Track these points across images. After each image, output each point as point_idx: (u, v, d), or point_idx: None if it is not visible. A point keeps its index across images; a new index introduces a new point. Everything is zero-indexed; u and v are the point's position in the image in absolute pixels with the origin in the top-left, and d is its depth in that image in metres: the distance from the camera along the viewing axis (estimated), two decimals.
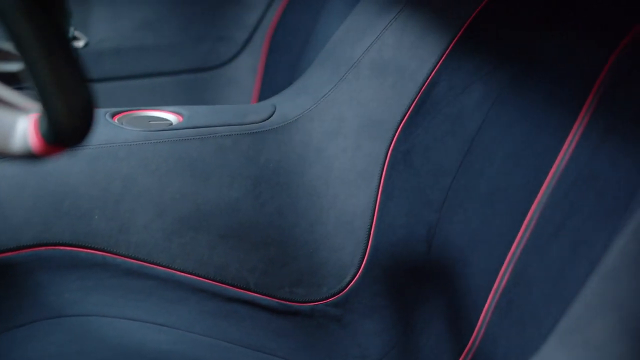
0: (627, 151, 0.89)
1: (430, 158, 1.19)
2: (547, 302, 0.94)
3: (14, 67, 0.77)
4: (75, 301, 1.10)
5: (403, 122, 1.22)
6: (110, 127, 1.18)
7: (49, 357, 1.03)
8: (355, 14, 1.32)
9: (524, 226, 1.01)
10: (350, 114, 1.24)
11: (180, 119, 1.24)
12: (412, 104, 1.21)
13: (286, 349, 1.17)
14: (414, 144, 1.21)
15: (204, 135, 1.20)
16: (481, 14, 1.18)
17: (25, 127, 0.67)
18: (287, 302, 1.20)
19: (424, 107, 1.21)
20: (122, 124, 1.20)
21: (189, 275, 1.16)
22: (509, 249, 1.02)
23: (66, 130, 0.64)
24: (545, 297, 0.94)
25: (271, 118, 1.25)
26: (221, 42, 1.94)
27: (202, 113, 1.25)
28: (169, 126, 1.22)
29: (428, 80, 1.21)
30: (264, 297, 1.19)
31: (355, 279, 1.21)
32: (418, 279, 1.18)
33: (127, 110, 1.25)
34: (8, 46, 0.79)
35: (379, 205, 1.22)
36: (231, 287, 1.18)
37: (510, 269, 1.00)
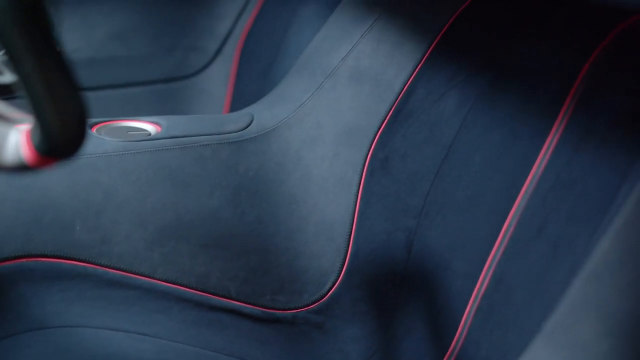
0: (604, 155, 0.91)
1: (408, 165, 1.20)
2: (528, 304, 0.95)
3: (6, 79, 0.77)
4: (58, 312, 1.09)
5: (381, 129, 1.23)
6: (90, 138, 1.18)
7: None
8: (331, 23, 1.33)
9: (503, 230, 1.02)
10: (328, 122, 1.25)
11: (159, 129, 1.24)
12: (389, 112, 1.23)
13: (269, 356, 1.18)
14: (391, 151, 1.22)
15: (183, 145, 1.20)
16: (457, 22, 1.20)
17: (17, 138, 0.67)
18: (269, 310, 1.21)
19: (401, 114, 1.22)
20: (100, 134, 1.20)
21: (171, 285, 1.16)
22: (489, 253, 1.03)
23: (60, 141, 0.64)
24: (526, 300, 0.96)
25: (249, 127, 1.26)
26: (192, 52, 1.94)
27: (180, 123, 1.26)
28: (147, 136, 1.22)
29: (405, 88, 1.22)
30: (246, 305, 1.20)
31: (336, 285, 1.22)
32: (398, 285, 1.19)
33: (105, 121, 1.24)
34: (0, 58, 0.79)
35: (358, 212, 1.23)
36: (213, 296, 1.18)
37: (490, 273, 1.02)
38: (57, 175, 1.12)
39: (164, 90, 1.94)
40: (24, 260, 1.09)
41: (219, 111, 1.94)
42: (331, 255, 1.23)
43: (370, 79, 1.24)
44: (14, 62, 0.61)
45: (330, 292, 1.22)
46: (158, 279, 1.16)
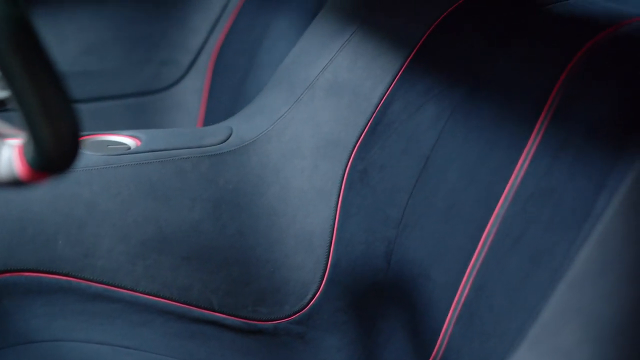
0: (582, 164, 0.92)
1: (387, 176, 1.21)
2: (509, 312, 0.96)
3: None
4: (42, 327, 1.09)
5: (359, 141, 1.24)
6: None
7: None
8: (308, 36, 1.34)
9: (482, 240, 1.03)
10: (307, 134, 1.26)
11: (138, 142, 1.25)
12: (367, 124, 1.24)
13: None
14: (370, 162, 1.23)
15: (164, 159, 1.21)
16: (433, 34, 1.21)
17: (10, 153, 0.67)
18: (251, 321, 1.21)
19: (379, 126, 1.23)
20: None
21: (153, 298, 1.16)
22: (469, 262, 1.04)
23: (53, 156, 0.64)
24: (506, 308, 0.97)
25: (228, 140, 1.26)
26: (166, 65, 1.95)
27: (159, 136, 1.26)
28: (127, 150, 1.22)
29: (382, 101, 1.23)
30: (228, 317, 1.20)
31: (317, 296, 1.23)
32: (379, 294, 1.20)
33: (84, 135, 1.25)
34: None
35: (337, 223, 1.24)
36: (196, 308, 1.19)
37: (470, 282, 1.03)
38: (39, 190, 1.12)
39: (138, 104, 1.94)
40: (6, 275, 1.09)
41: (192, 125, 1.94)
42: (311, 267, 1.24)
43: (348, 92, 1.25)
44: (6, 77, 0.61)
45: (311, 302, 1.23)
46: (141, 292, 1.16)
